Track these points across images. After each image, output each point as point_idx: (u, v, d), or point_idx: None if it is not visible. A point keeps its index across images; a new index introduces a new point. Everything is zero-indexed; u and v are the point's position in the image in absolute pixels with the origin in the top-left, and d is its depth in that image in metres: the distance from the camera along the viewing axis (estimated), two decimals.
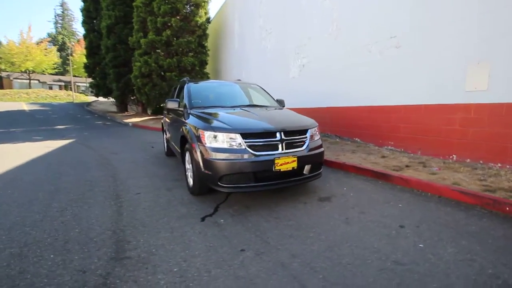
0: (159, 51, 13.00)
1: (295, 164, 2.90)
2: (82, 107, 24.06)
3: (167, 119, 5.32)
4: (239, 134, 2.80)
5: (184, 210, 2.91)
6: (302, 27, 8.04)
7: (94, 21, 19.15)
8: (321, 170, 3.30)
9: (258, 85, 4.83)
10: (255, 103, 4.15)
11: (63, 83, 46.85)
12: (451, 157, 4.51)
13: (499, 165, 3.91)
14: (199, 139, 2.94)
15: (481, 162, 4.13)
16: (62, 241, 2.26)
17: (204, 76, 13.84)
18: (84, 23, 19.59)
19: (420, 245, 2.16)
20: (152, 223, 2.61)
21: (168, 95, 13.29)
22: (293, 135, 3.02)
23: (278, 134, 2.91)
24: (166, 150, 5.75)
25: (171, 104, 3.85)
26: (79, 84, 47.40)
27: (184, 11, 12.73)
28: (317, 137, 3.33)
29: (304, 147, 3.07)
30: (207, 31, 13.66)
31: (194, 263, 1.95)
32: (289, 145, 2.97)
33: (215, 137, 2.82)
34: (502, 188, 3.15)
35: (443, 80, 4.54)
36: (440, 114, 4.61)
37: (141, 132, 10.79)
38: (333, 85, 6.97)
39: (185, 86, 4.25)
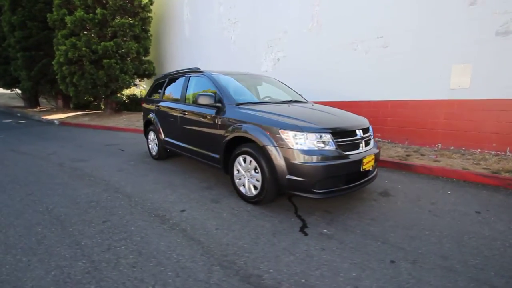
0: (90, 32, 10.76)
1: (373, 162, 2.85)
2: None
3: (165, 117, 4.45)
4: (329, 134, 2.55)
5: (268, 224, 2.50)
6: (276, 19, 7.92)
7: None
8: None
9: (275, 78, 4.52)
10: (291, 97, 3.86)
11: None
12: (436, 145, 5.26)
13: (479, 150, 4.76)
14: (279, 140, 2.55)
15: (463, 148, 4.95)
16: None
17: (150, 66, 12.23)
18: None
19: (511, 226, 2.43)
20: (253, 246, 2.13)
21: (107, 86, 11.19)
22: (367, 132, 2.94)
23: (358, 132, 2.78)
24: (156, 152, 4.84)
25: (205, 99, 3.19)
26: None
27: None
28: None
29: (373, 144, 3.04)
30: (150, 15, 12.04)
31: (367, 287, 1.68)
32: (366, 143, 2.88)
33: (304, 137, 2.49)
34: (502, 169, 3.84)
35: (429, 78, 5.20)
36: (426, 109, 5.29)
37: (81, 132, 8.81)
38: (316, 80, 7.14)
39: (208, 77, 3.62)
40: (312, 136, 2.49)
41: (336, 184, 2.57)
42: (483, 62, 4.56)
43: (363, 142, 2.81)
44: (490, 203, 2.95)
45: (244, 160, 2.90)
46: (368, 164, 2.74)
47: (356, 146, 2.74)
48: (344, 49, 6.43)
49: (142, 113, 5.48)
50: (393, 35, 5.60)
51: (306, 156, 2.44)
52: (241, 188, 3.01)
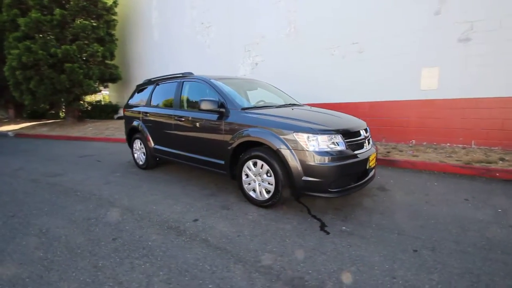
0: (47, 34, 9.84)
1: (375, 160, 3.03)
2: None
3: (155, 124, 4.25)
4: (340, 135, 2.66)
5: (288, 226, 2.52)
6: (254, 25, 8.03)
7: None
8: None
9: (266, 82, 4.57)
10: (286, 101, 3.93)
11: None
12: (411, 142, 5.74)
13: (448, 144, 5.31)
14: (293, 143, 2.59)
15: (434, 143, 5.47)
16: None
17: (116, 70, 11.54)
18: None
19: (499, 210, 2.76)
20: (282, 249, 2.14)
21: (69, 92, 10.22)
22: (367, 132, 3.12)
23: (362, 132, 2.95)
24: (144, 162, 4.59)
25: (207, 105, 3.12)
26: None
27: None
28: None
29: (372, 143, 3.24)
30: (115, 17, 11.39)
31: (411, 280, 1.79)
32: (368, 142, 3.06)
33: (317, 139, 2.56)
34: (472, 160, 4.32)
35: (402, 81, 5.67)
36: (401, 109, 5.76)
37: (43, 144, 7.99)
38: (295, 84, 7.33)
39: (207, 82, 3.55)
40: (325, 138, 2.59)
41: (349, 182, 2.69)
42: (448, 66, 5.11)
43: (366, 141, 2.98)
44: (473, 191, 3.31)
45: (255, 165, 2.90)
46: (372, 161, 2.92)
47: (361, 146, 2.90)
48: (322, 54, 6.73)
49: (124, 121, 5.16)
50: (368, 41, 6.01)
51: (322, 157, 2.53)
52: (251, 193, 3.00)
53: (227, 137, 3.12)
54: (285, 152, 2.62)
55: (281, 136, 2.67)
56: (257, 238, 2.33)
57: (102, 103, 14.69)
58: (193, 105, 3.75)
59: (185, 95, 3.87)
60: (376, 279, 1.77)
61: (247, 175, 3.01)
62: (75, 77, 9.78)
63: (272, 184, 2.77)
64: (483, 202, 2.96)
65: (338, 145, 2.63)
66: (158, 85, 4.41)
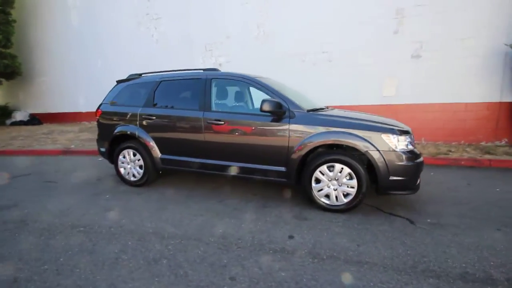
0: None
1: None
2: None
3: (166, 129, 3.46)
4: (409, 135, 2.85)
5: (385, 227, 2.53)
6: (216, 23, 7.60)
7: None
8: None
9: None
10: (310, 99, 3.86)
11: None
12: None
13: None
14: (381, 144, 2.62)
15: None
16: None
17: (14, 61, 8.74)
18: None
19: (497, 189, 3.55)
20: (420, 250, 2.14)
21: None
22: None
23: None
24: (140, 176, 3.67)
25: (269, 106, 2.77)
26: None
27: None
28: None
29: None
30: None
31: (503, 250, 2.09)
32: None
33: (399, 140, 2.67)
34: (430, 153, 5.38)
35: (367, 88, 6.52)
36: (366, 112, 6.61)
37: None
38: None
39: (252, 81, 3.15)
40: (403, 138, 2.73)
41: (417, 179, 2.91)
42: (404, 77, 6.20)
43: None
44: (466, 177, 4.08)
45: (330, 169, 2.77)
46: None
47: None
48: (293, 60, 7.01)
49: (100, 127, 4.00)
50: (336, 51, 6.64)
51: (406, 156, 2.65)
52: (323, 199, 2.85)
53: (293, 141, 2.87)
54: (374, 153, 2.63)
55: (368, 138, 2.66)
56: (377, 243, 2.24)
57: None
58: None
59: (214, 95, 3.32)
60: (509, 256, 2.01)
61: (317, 181, 2.85)
62: None
63: (354, 187, 2.72)
64: (482, 185, 3.73)
65: (411, 144, 2.82)
66: (164, 82, 3.62)
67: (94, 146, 6.58)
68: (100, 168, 4.84)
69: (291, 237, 2.38)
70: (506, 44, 5.25)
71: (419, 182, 2.92)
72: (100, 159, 5.54)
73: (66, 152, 6.09)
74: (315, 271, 1.88)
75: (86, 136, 7.57)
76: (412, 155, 2.71)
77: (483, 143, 5.78)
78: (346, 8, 6.41)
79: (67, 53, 9.82)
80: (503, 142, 5.68)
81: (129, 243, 2.28)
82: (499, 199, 3.20)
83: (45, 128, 9.11)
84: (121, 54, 8.97)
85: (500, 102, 5.59)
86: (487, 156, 4.92)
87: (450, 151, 5.51)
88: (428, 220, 2.66)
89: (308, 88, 6.72)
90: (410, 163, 2.66)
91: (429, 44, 5.90)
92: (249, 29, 7.31)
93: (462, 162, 4.80)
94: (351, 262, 2.00)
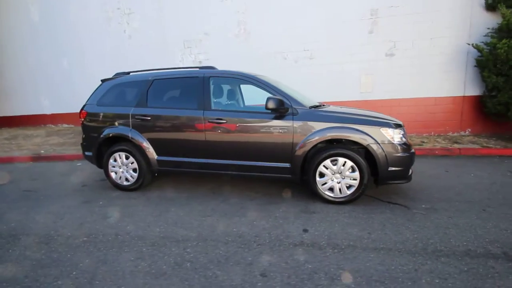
0: None
1: None
2: None
3: (162, 129, 3.33)
4: (402, 128, 3.06)
5: (388, 215, 2.70)
6: (195, 19, 7.40)
7: None
8: None
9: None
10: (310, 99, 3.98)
11: None
12: None
13: None
14: (380, 137, 2.79)
15: None
16: None
17: None
18: None
19: (471, 174, 3.95)
20: (416, 231, 2.32)
21: None
22: None
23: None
24: (135, 180, 3.51)
25: (273, 104, 2.80)
26: None
27: None
28: None
29: None
30: None
31: (493, 227, 2.37)
32: None
33: (395, 132, 2.86)
34: (414, 144, 5.81)
35: (346, 84, 6.82)
36: None
37: None
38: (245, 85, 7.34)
39: (252, 79, 3.17)
40: (398, 131, 2.92)
41: (410, 168, 3.14)
42: (379, 74, 6.59)
43: None
44: (443, 165, 4.47)
45: (334, 163, 2.89)
46: None
47: None
48: (275, 57, 7.09)
49: (84, 130, 3.73)
50: (317, 50, 6.85)
51: (402, 148, 2.86)
52: (327, 192, 2.97)
53: (297, 138, 2.94)
54: (375, 146, 2.79)
55: (368, 132, 2.81)
56: (385, 230, 2.40)
57: None
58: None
59: (213, 93, 3.27)
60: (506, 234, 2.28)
61: (321, 175, 2.96)
62: None
63: (356, 179, 2.86)
64: (459, 171, 4.13)
65: (405, 137, 3.04)
66: (157, 80, 3.47)
67: (66, 150, 6.18)
68: (82, 173, 4.52)
69: (305, 230, 2.45)
70: (468, 43, 5.82)
71: (412, 172, 3.16)
72: (79, 164, 5.19)
73: (37, 158, 5.57)
74: (339, 261, 1.97)
75: (56, 140, 6.98)
76: (406, 146, 2.93)
77: (450, 134, 6.37)
78: (327, 6, 6.62)
79: (24, 51, 8.94)
80: (467, 132, 6.31)
81: (143, 249, 2.19)
82: (476, 183, 3.57)
83: (5, 132, 8.22)
84: (90, 52, 8.37)
85: (463, 96, 6.19)
86: (456, 145, 5.45)
87: (423, 142, 5.99)
88: (423, 206, 2.90)
89: (290, 85, 6.90)
90: (405, 154, 2.87)
91: (402, 43, 6.33)
92: (229, 26, 7.24)
93: (436, 152, 5.26)
94: (368, 249, 2.12)
